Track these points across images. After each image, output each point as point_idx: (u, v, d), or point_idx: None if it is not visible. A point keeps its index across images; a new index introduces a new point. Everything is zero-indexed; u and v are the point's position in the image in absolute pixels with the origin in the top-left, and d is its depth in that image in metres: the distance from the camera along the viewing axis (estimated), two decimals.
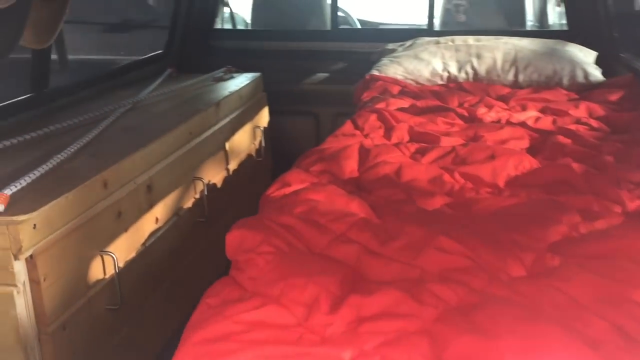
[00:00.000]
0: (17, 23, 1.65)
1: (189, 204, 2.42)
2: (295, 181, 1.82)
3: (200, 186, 2.48)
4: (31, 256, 1.56)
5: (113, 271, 1.86)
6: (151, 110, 2.60)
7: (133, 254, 2.01)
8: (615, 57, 3.03)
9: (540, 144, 2.09)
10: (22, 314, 1.57)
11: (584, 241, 1.41)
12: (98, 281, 1.82)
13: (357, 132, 2.23)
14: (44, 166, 1.79)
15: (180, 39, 3.55)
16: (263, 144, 3.24)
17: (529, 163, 1.85)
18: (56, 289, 1.63)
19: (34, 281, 1.58)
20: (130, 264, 1.98)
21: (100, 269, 1.84)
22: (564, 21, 4.37)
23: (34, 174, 1.73)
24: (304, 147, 3.72)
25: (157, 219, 2.17)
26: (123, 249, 1.94)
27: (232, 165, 2.87)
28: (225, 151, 2.79)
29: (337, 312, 1.17)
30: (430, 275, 1.29)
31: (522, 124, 2.29)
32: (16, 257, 1.53)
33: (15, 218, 1.51)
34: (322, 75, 3.66)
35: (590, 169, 1.79)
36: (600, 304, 1.15)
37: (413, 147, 2.03)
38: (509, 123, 2.32)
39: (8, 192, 1.59)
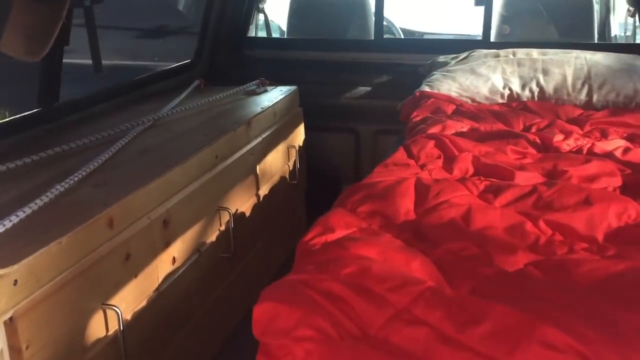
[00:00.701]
0: None
1: (212, 237, 2.10)
2: (340, 225, 1.48)
3: (225, 217, 2.16)
4: (10, 319, 1.25)
5: (117, 327, 1.55)
6: (173, 129, 2.29)
7: (143, 303, 1.69)
8: None
9: (636, 182, 1.71)
10: None
11: None
12: (98, 340, 1.51)
13: (412, 161, 1.88)
14: (37, 201, 1.49)
15: (210, 48, 3.25)
16: (298, 165, 2.91)
17: (636, 211, 1.48)
18: (43, 357, 1.32)
19: (14, 349, 1.27)
20: (138, 315, 1.66)
21: (101, 326, 1.52)
22: (629, 33, 3.97)
23: (23, 211, 1.43)
24: (341, 166, 3.42)
25: (174, 259, 1.85)
26: (131, 299, 1.63)
27: (263, 191, 2.54)
28: (256, 175, 2.46)
29: None
30: None
31: (609, 155, 1.91)
32: None
33: None
34: (363, 89, 3.33)
35: None
36: None
37: (482, 184, 1.67)
38: (591, 153, 1.94)
39: None
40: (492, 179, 1.72)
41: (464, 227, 1.47)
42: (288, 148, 2.84)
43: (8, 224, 1.36)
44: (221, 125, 2.33)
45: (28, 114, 2.15)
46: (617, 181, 1.74)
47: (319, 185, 3.21)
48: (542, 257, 1.36)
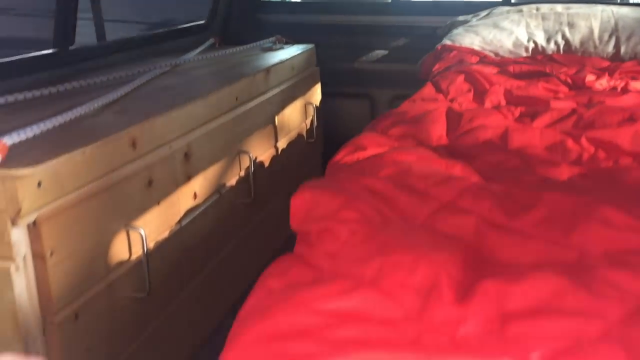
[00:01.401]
0: None
1: (232, 181, 2.04)
2: (372, 144, 1.43)
3: (246, 162, 2.11)
4: (34, 223, 1.20)
5: (141, 251, 1.49)
6: (192, 74, 2.24)
7: (166, 234, 1.64)
8: None
9: None
10: (21, 297, 1.21)
11: None
12: (122, 262, 1.45)
13: (440, 95, 1.83)
14: (59, 117, 1.44)
15: (224, 10, 3.20)
16: (315, 124, 2.85)
17: None
18: (67, 267, 1.27)
19: (37, 256, 1.21)
20: (162, 244, 1.61)
21: (125, 248, 1.46)
22: None
23: (45, 124, 1.38)
24: (357, 131, 3.35)
25: (195, 195, 1.80)
26: (154, 226, 1.57)
27: (281, 144, 2.48)
28: (275, 126, 2.41)
29: (468, 303, 0.77)
30: (596, 258, 0.88)
31: None
32: (14, 223, 1.16)
33: (13, 172, 1.16)
34: (379, 52, 3.26)
35: None
36: None
37: (517, 110, 1.62)
38: (625, 91, 1.89)
39: (8, 141, 1.24)
40: (527, 107, 1.66)
41: (501, 145, 1.42)
42: (305, 105, 2.78)
43: (30, 133, 1.31)
44: (240, 72, 2.28)
45: (42, 54, 2.10)
46: None
47: (335, 150, 3.15)
48: (587, 170, 1.30)
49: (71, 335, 1.30)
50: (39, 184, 1.19)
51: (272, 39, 2.89)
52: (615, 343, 0.69)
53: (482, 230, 0.98)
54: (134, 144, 1.50)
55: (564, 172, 1.28)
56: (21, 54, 2.02)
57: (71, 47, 2.19)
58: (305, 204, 1.05)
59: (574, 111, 1.54)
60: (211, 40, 2.88)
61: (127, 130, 1.48)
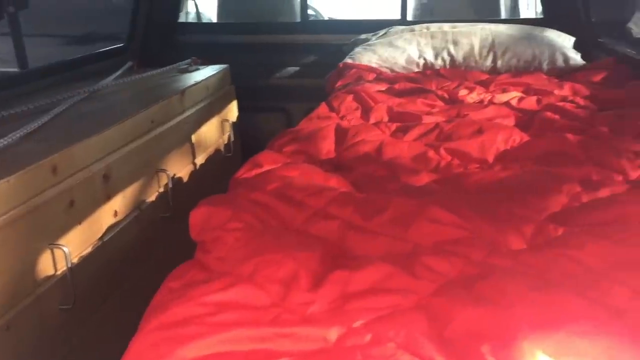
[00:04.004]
0: None
1: (152, 197, 2.23)
2: (267, 162, 1.66)
3: (164, 179, 2.29)
4: None
5: (65, 266, 1.67)
6: (109, 99, 2.41)
7: (88, 249, 1.81)
8: (594, 43, 2.94)
9: (527, 121, 1.96)
10: None
11: (588, 209, 1.28)
12: (48, 277, 1.62)
13: (333, 114, 2.08)
14: None
15: (142, 33, 3.36)
16: (232, 139, 3.06)
17: (520, 137, 1.72)
18: None
19: None
20: (85, 259, 1.78)
21: (50, 264, 1.63)
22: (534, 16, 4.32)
23: None
24: None
25: (115, 212, 1.98)
26: (77, 243, 1.75)
27: (199, 160, 2.68)
28: (192, 144, 2.60)
29: (319, 289, 1.01)
30: (423, 248, 1.13)
31: (506, 104, 2.16)
32: None
33: None
34: (292, 69, 3.51)
35: (587, 139, 1.66)
36: (618, 270, 1.01)
37: (393, 125, 1.89)
38: (491, 104, 2.19)
39: None
40: (403, 123, 1.94)
41: (376, 157, 1.68)
42: (222, 122, 2.99)
43: None
44: (155, 95, 2.46)
45: None
46: (511, 122, 1.99)
47: None
48: (442, 176, 1.57)
49: (4, 346, 1.46)
50: None
51: (188, 60, 3.08)
52: (421, 311, 0.95)
53: (343, 231, 1.22)
54: (54, 170, 1.67)
55: (424, 179, 1.54)
56: None
57: None
58: (201, 217, 1.26)
59: (437, 125, 1.82)
60: (129, 64, 3.05)
61: (48, 158, 1.65)
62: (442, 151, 1.68)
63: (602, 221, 1.20)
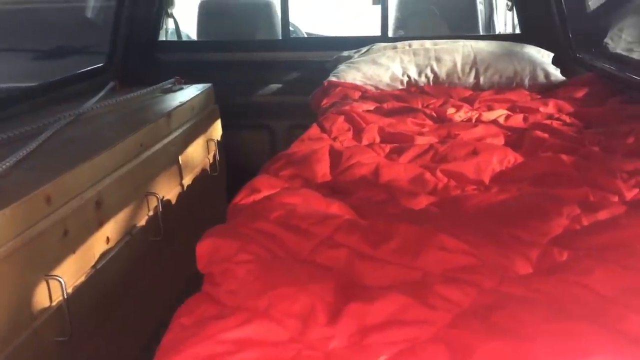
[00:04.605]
0: None
1: (142, 221, 2.20)
2: (265, 187, 1.65)
3: (154, 202, 2.27)
4: None
5: (61, 297, 1.64)
6: (96, 122, 2.38)
7: (82, 278, 1.78)
8: (572, 58, 3.01)
9: (517, 140, 2.00)
10: None
11: (590, 233, 1.30)
12: (44, 309, 1.59)
13: (325, 135, 2.09)
14: None
15: (122, 52, 3.33)
16: (217, 158, 3.05)
17: (514, 157, 1.75)
18: None
19: None
20: (79, 288, 1.75)
21: (45, 296, 1.60)
22: (510, 31, 4.40)
23: None
24: (258, 161, 3.56)
25: (108, 239, 1.95)
26: (71, 273, 1.72)
27: (187, 181, 2.67)
28: (179, 165, 2.59)
29: (337, 323, 1.01)
30: (434, 276, 1.14)
31: (494, 122, 2.20)
32: None
33: None
34: (274, 86, 3.51)
35: (580, 159, 1.70)
36: (629, 296, 1.03)
37: (387, 147, 1.90)
38: (479, 122, 2.23)
39: None
40: (396, 144, 1.95)
41: (373, 180, 1.69)
42: (207, 142, 2.97)
43: None
44: (142, 118, 2.44)
45: None
46: (500, 140, 2.02)
47: (238, 179, 3.35)
48: (440, 198, 1.59)
49: None
50: None
51: (171, 80, 3.07)
52: (440, 343, 0.95)
53: (351, 260, 1.23)
54: (48, 200, 1.64)
55: (422, 202, 1.56)
56: None
57: None
58: (207, 250, 1.25)
59: (431, 147, 1.84)
60: (112, 84, 3.02)
61: (41, 188, 1.62)
62: (439, 173, 1.70)
63: (606, 245, 1.23)
